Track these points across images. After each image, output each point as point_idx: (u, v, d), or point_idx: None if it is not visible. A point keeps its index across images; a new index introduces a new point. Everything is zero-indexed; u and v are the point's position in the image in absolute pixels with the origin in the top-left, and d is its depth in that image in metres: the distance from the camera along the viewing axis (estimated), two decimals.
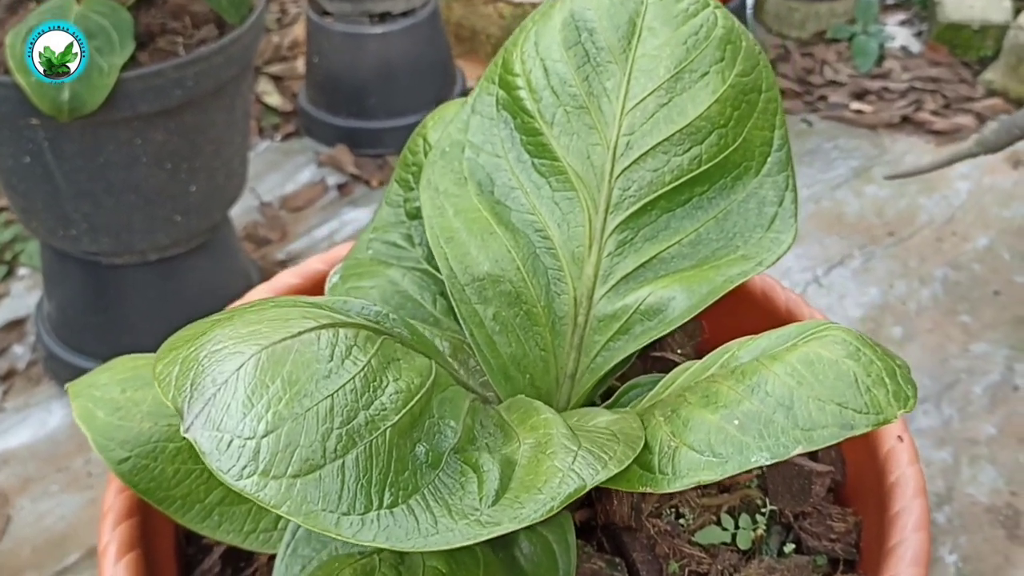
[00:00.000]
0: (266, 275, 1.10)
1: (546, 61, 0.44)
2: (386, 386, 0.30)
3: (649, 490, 0.32)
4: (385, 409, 0.29)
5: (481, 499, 0.29)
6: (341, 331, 0.30)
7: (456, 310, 0.43)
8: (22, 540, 0.86)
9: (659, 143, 0.43)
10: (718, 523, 0.44)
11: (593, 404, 0.44)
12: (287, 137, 1.34)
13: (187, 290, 0.94)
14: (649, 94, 0.43)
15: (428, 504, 0.29)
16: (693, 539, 0.43)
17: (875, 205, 1.23)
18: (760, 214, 0.44)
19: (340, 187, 1.24)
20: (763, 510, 0.45)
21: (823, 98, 1.42)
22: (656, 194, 0.43)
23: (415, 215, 0.51)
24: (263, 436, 0.27)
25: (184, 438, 0.38)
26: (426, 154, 0.50)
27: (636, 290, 0.43)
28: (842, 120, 1.38)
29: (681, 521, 0.44)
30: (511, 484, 0.30)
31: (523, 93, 0.45)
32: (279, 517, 0.40)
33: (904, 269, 1.14)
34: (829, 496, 0.48)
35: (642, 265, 0.43)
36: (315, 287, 0.53)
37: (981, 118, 1.36)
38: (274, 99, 1.37)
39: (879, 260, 1.15)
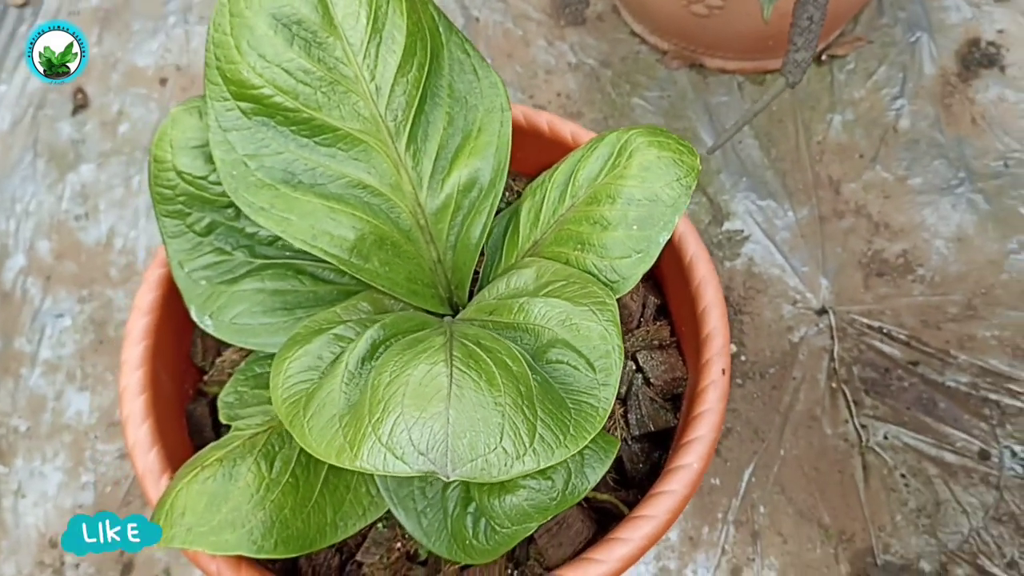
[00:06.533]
0: None
1: (282, 64, 0.51)
2: (508, 353, 0.43)
3: (617, 295, 0.49)
4: (522, 371, 0.43)
5: (587, 376, 0.45)
6: (442, 352, 0.42)
7: (357, 278, 0.53)
8: None
9: (395, 73, 0.54)
10: None
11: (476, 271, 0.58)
12: None
13: None
14: (368, 43, 0.53)
15: (577, 400, 0.44)
16: None
17: None
18: (464, 70, 0.58)
19: None
20: None
21: None
22: (414, 107, 0.55)
23: (207, 231, 0.56)
24: (501, 440, 0.40)
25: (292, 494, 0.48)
26: (187, 181, 0.55)
27: (447, 179, 0.56)
28: None
29: None
30: (587, 355, 0.45)
31: (278, 98, 0.52)
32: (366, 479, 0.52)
33: None
34: None
35: (436, 159, 0.56)
36: (169, 292, 0.62)
37: None
38: None
39: None
